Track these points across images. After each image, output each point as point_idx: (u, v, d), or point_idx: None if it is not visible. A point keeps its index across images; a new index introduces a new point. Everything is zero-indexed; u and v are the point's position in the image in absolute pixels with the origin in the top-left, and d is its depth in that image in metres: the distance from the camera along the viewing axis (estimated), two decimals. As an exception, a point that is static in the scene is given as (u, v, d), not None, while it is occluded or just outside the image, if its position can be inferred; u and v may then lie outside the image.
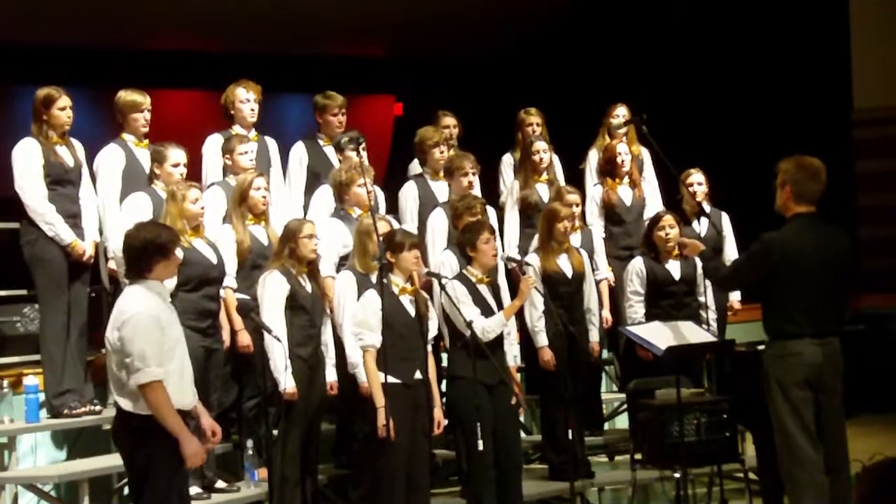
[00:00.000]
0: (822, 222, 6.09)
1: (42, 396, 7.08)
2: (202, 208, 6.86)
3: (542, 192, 8.38)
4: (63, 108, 7.11)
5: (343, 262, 7.24)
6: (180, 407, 5.27)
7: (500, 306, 7.07)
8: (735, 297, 8.48)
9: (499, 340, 7.02)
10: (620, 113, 8.85)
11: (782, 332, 5.98)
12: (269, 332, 6.58)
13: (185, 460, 5.20)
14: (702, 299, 7.85)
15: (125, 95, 7.44)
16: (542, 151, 8.39)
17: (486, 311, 6.97)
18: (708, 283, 7.77)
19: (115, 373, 5.25)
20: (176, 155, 7.14)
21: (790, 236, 6.04)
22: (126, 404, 5.23)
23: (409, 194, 8.12)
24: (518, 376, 7.76)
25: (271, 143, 7.99)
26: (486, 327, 6.86)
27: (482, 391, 6.76)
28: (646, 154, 8.99)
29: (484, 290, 7.04)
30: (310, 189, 7.90)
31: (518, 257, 7.93)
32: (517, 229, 8.35)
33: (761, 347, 6.43)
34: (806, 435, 5.93)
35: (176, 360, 5.27)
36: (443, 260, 7.45)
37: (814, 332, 5.95)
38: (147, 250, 5.30)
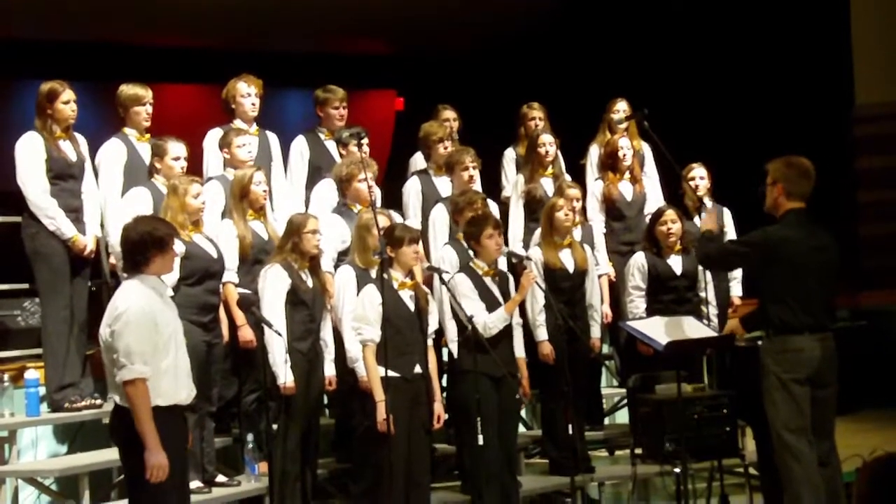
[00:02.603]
0: (812, 219, 6.17)
1: (42, 390, 7.08)
2: (203, 203, 6.86)
3: (548, 186, 8.36)
4: (67, 102, 7.10)
5: (342, 258, 7.25)
6: (174, 402, 5.25)
7: (508, 298, 7.09)
8: (736, 292, 8.48)
9: (507, 331, 7.04)
10: (621, 108, 8.84)
11: (782, 325, 6.03)
12: (270, 326, 6.58)
13: (146, 469, 5.08)
14: (703, 294, 7.85)
15: (127, 89, 7.42)
16: (549, 144, 8.38)
17: (493, 304, 6.99)
18: (709, 278, 7.77)
19: (108, 368, 5.24)
20: (176, 148, 7.14)
21: (788, 231, 6.11)
22: (119, 399, 5.22)
23: (412, 189, 8.13)
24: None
25: (272, 138, 7.97)
26: (488, 323, 6.88)
27: (487, 384, 6.78)
28: (647, 149, 8.98)
29: (490, 282, 7.06)
30: (311, 183, 7.90)
31: (521, 252, 7.93)
32: (522, 224, 8.33)
33: (762, 343, 6.44)
34: (802, 431, 5.98)
35: (170, 355, 5.24)
36: (442, 255, 7.45)
37: (812, 325, 6.01)
38: (144, 243, 5.27)
